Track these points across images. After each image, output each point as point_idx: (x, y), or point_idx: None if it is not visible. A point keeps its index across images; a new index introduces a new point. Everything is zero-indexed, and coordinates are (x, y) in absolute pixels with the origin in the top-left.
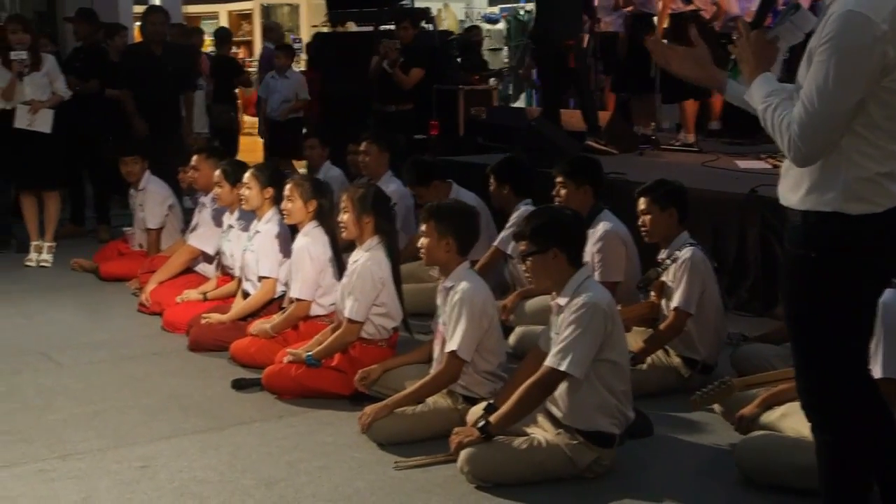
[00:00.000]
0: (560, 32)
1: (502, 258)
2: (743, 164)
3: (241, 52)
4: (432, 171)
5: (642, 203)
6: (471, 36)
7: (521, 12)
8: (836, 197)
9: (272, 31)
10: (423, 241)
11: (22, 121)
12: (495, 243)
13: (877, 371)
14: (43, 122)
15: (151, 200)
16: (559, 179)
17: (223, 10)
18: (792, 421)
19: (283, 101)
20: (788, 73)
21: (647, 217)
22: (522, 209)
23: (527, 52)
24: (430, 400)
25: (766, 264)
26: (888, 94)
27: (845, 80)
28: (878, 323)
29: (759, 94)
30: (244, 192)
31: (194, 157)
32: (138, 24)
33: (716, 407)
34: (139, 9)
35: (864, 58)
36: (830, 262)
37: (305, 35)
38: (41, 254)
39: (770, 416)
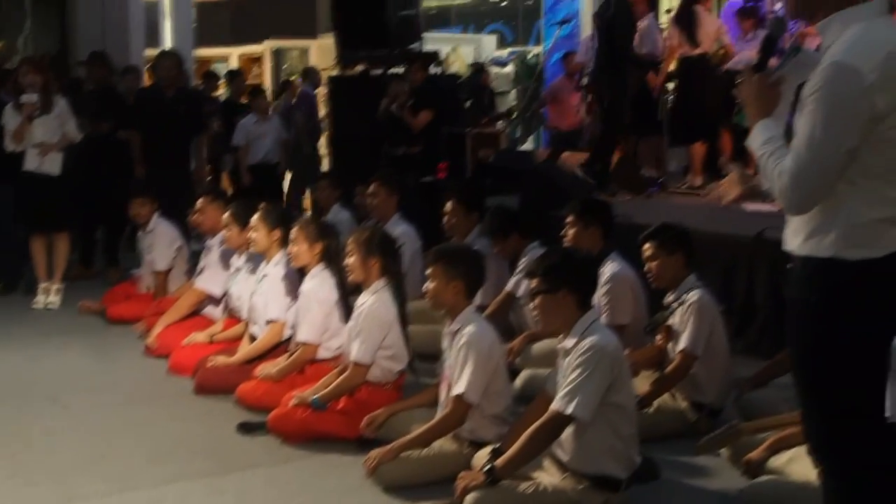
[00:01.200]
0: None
1: (512, 302)
2: (750, 206)
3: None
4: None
5: (648, 249)
6: (479, 79)
7: (529, 56)
8: (834, 243)
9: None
10: (429, 285)
11: (31, 163)
12: (507, 288)
13: (886, 414)
14: (52, 165)
15: (160, 242)
16: (569, 219)
17: (234, 53)
18: (800, 466)
19: (269, 144)
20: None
21: (654, 263)
22: (532, 251)
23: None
24: (436, 444)
25: (775, 307)
26: (882, 142)
27: (833, 130)
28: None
29: (757, 141)
30: (252, 234)
31: (200, 200)
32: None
33: (723, 451)
34: (151, 51)
35: (851, 109)
36: (830, 306)
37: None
38: (49, 296)
39: (778, 461)
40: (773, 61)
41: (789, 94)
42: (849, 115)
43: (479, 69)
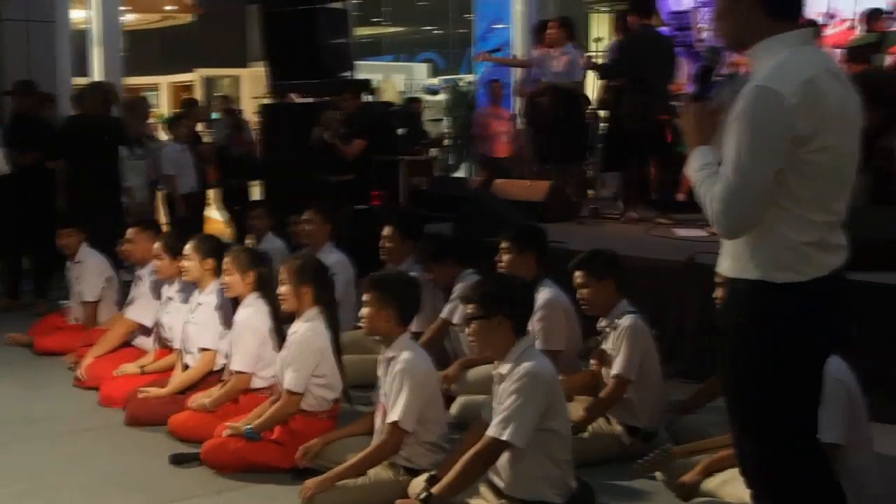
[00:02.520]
0: (657, 108)
1: (447, 329)
2: (682, 232)
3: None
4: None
5: (578, 276)
6: (412, 107)
7: (461, 83)
8: (762, 265)
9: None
10: (364, 311)
11: None
12: (442, 314)
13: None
14: None
15: (88, 273)
16: (504, 245)
17: (164, 82)
18: (732, 487)
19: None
20: None
21: (585, 290)
22: (467, 278)
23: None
24: (371, 472)
25: (706, 331)
26: (806, 164)
27: (757, 152)
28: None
29: (693, 167)
30: (184, 263)
31: (129, 230)
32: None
33: (658, 474)
34: (79, 80)
35: (774, 130)
36: (758, 329)
37: (246, 106)
38: None
39: (711, 483)
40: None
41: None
42: (772, 135)
43: (412, 99)
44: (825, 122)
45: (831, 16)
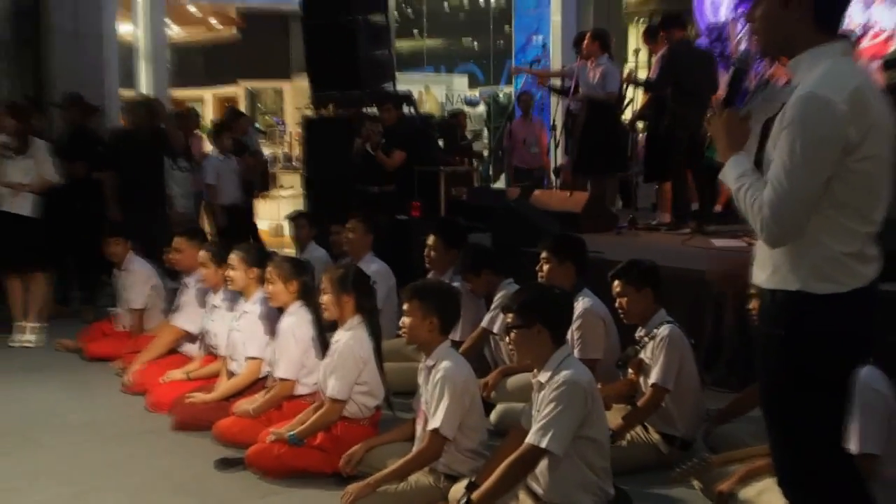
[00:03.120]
0: (701, 118)
1: (487, 338)
2: (718, 242)
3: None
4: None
5: (617, 285)
6: (454, 120)
7: (500, 95)
8: (802, 276)
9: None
10: (405, 321)
11: (5, 203)
12: (482, 323)
13: (853, 447)
14: (22, 205)
15: (135, 281)
16: (544, 255)
17: (209, 94)
18: (769, 497)
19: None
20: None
21: (624, 299)
22: (507, 288)
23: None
24: (412, 478)
25: (743, 341)
26: (852, 173)
27: (810, 160)
28: (855, 399)
29: (731, 175)
30: (230, 272)
31: (176, 239)
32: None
33: (695, 483)
34: (127, 92)
35: (826, 138)
36: (798, 339)
37: (290, 118)
38: (24, 334)
39: (748, 492)
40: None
41: (757, 129)
42: (825, 143)
43: (455, 112)
44: (871, 131)
45: (868, 28)
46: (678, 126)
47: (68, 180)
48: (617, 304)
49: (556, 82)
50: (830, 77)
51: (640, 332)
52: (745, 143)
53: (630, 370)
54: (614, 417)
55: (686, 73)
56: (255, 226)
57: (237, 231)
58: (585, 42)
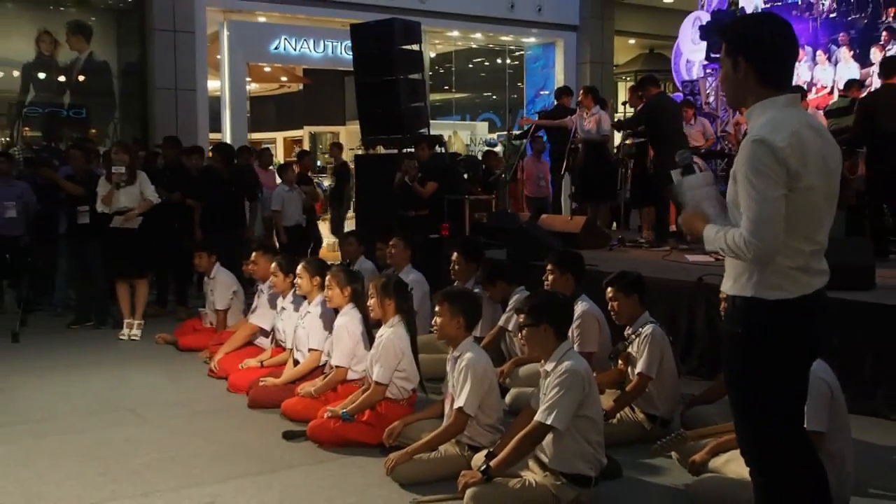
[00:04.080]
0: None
1: (503, 335)
2: (692, 257)
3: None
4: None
5: (610, 291)
6: (488, 160)
7: (514, 138)
8: (756, 285)
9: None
10: (437, 319)
11: (116, 222)
12: (499, 323)
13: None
14: (130, 225)
15: (220, 287)
16: (549, 267)
17: (279, 137)
18: (735, 465)
19: (298, 209)
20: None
21: (615, 303)
22: (519, 294)
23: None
24: (441, 448)
25: (712, 338)
26: (797, 202)
27: (765, 185)
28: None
29: (710, 236)
30: (297, 280)
31: (253, 253)
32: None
33: (673, 454)
34: (214, 135)
35: (774, 165)
36: (753, 337)
37: (344, 156)
38: (132, 329)
39: (717, 462)
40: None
41: (705, 201)
42: (773, 169)
43: (489, 153)
44: (808, 166)
45: (813, 84)
46: (656, 163)
47: (167, 206)
48: (609, 307)
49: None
50: (773, 124)
51: (628, 331)
52: (704, 219)
53: (620, 361)
54: (607, 400)
55: (661, 120)
56: (319, 241)
57: (297, 246)
58: (580, 97)
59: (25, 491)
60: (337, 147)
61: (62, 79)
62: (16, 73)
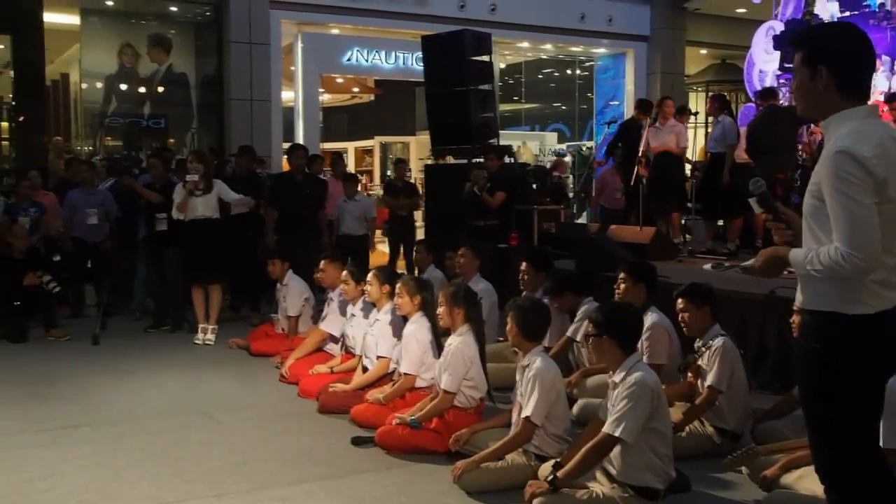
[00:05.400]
0: (774, 166)
1: (571, 345)
2: None
3: (364, 179)
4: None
5: (680, 303)
6: (555, 168)
7: (584, 148)
8: (836, 299)
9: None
10: (507, 329)
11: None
12: (567, 333)
13: (881, 443)
14: (205, 233)
15: (292, 294)
16: (622, 276)
17: (351, 147)
18: (808, 482)
19: (354, 219)
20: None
21: (686, 314)
22: (587, 305)
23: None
24: (508, 457)
25: (784, 351)
26: (879, 214)
27: (857, 192)
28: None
29: (798, 260)
30: (367, 288)
31: (321, 262)
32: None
33: (743, 469)
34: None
35: (862, 175)
36: (831, 353)
37: (414, 166)
38: (206, 334)
39: (789, 478)
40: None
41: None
42: (862, 179)
43: (557, 163)
44: (893, 175)
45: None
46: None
47: (241, 213)
48: (679, 319)
49: None
50: (856, 134)
51: (698, 343)
52: (789, 237)
53: (689, 374)
54: (676, 413)
55: (763, 133)
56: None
57: (354, 255)
58: (665, 108)
59: (103, 489)
60: (402, 163)
61: (142, 90)
62: (99, 85)
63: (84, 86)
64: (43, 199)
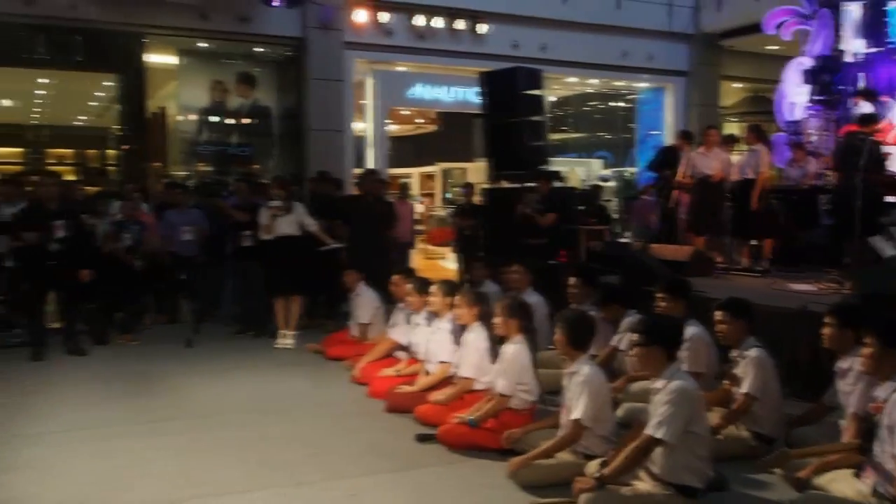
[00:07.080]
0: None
1: (616, 354)
2: (795, 286)
3: (426, 202)
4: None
5: (718, 316)
6: (591, 191)
7: (627, 174)
8: None
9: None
10: (556, 338)
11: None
12: (612, 342)
13: None
14: (287, 250)
15: (364, 303)
16: (660, 295)
17: (416, 172)
18: (839, 485)
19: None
20: None
21: (723, 326)
22: (630, 317)
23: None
24: (558, 455)
25: (815, 362)
26: None
27: None
28: None
29: None
30: (430, 299)
31: (394, 276)
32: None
33: (777, 470)
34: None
35: None
36: None
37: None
38: (286, 339)
39: (821, 480)
40: None
41: None
42: None
43: (596, 187)
44: None
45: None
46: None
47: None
48: (717, 330)
49: None
50: None
51: (734, 353)
52: None
53: (726, 381)
54: (714, 417)
55: (848, 160)
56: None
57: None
58: (709, 137)
59: (192, 478)
60: (470, 187)
61: (231, 121)
62: (193, 117)
63: (180, 118)
64: (143, 219)
